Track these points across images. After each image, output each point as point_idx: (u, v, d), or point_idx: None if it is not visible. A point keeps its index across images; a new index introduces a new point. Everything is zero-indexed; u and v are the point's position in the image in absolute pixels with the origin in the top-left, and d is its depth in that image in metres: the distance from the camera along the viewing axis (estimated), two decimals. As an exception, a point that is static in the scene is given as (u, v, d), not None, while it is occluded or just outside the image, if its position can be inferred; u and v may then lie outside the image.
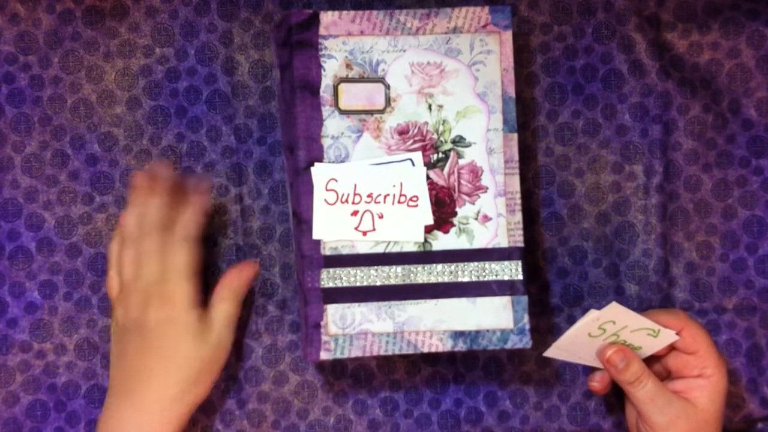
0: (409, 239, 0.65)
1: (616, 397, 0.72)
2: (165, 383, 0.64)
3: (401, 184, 0.65)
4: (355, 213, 0.65)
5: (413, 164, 0.65)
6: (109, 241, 0.68)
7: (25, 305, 0.70)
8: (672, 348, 0.66)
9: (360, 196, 0.65)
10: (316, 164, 0.64)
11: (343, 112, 0.65)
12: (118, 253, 0.67)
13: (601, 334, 0.65)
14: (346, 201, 0.64)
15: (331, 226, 0.64)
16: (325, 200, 0.64)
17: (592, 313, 0.63)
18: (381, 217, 0.65)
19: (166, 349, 0.65)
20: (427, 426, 0.72)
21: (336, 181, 0.64)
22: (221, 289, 0.68)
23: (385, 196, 0.65)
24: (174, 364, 0.65)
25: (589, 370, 0.69)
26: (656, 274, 0.72)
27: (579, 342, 0.65)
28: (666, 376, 0.68)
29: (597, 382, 0.68)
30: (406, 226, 0.65)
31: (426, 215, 0.65)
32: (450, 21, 0.65)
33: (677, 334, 0.65)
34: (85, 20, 0.70)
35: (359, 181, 0.64)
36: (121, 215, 0.67)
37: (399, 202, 0.65)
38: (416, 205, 0.65)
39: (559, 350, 0.66)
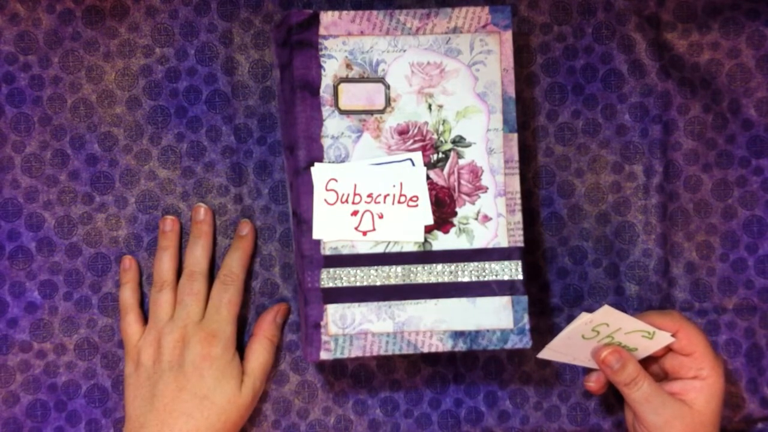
0: (409, 239, 0.65)
1: (616, 397, 0.72)
2: (198, 426, 0.64)
3: (401, 184, 0.65)
4: (355, 213, 0.65)
5: (413, 164, 0.65)
6: (118, 288, 0.70)
7: (25, 305, 0.70)
8: (668, 349, 0.66)
9: (360, 196, 0.65)
10: (316, 164, 0.64)
11: (343, 112, 0.65)
12: (135, 300, 0.69)
13: (595, 336, 0.65)
14: (346, 201, 0.64)
15: (331, 226, 0.64)
16: (325, 200, 0.64)
17: (584, 316, 0.63)
18: (381, 217, 0.65)
19: (204, 389, 0.65)
20: (427, 426, 0.72)
21: (336, 181, 0.64)
22: (258, 337, 0.69)
23: (385, 196, 0.65)
24: (210, 405, 0.65)
25: (588, 370, 0.69)
26: (656, 274, 0.72)
27: (573, 344, 0.65)
28: (663, 377, 0.68)
29: (593, 383, 0.68)
30: (406, 226, 0.65)
31: (426, 215, 0.65)
32: (450, 21, 0.65)
33: (673, 335, 0.65)
34: (85, 20, 0.70)
35: (359, 181, 0.64)
36: (153, 261, 0.69)
37: (399, 202, 0.65)
38: (416, 205, 0.65)
39: (552, 352, 0.66)
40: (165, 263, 0.68)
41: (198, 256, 0.68)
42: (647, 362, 0.67)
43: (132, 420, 0.66)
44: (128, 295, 0.69)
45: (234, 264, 0.68)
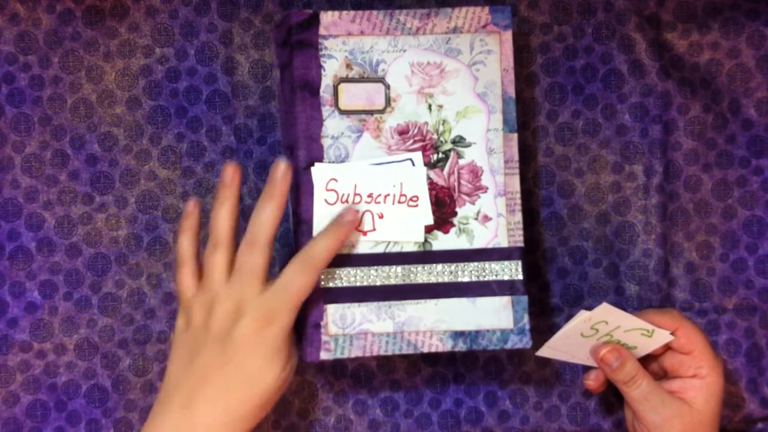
0: (409, 239, 0.65)
1: (616, 397, 0.72)
2: (231, 405, 0.59)
3: (401, 184, 0.65)
4: (355, 213, 0.65)
5: (413, 164, 0.65)
6: (176, 232, 0.64)
7: (25, 305, 0.70)
8: (667, 348, 0.66)
9: (360, 196, 0.65)
10: (316, 164, 0.64)
11: (343, 112, 0.65)
12: (193, 251, 0.62)
13: (594, 334, 0.65)
14: (346, 201, 0.64)
15: (331, 226, 0.64)
16: (325, 200, 0.64)
17: (583, 314, 0.63)
18: (381, 217, 0.65)
19: (247, 369, 0.59)
20: (427, 426, 0.72)
21: (336, 181, 0.64)
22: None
23: (385, 196, 0.65)
24: (249, 388, 0.59)
25: (587, 368, 0.69)
26: (656, 274, 0.72)
27: (572, 342, 0.66)
28: (662, 376, 0.68)
29: (592, 381, 0.68)
30: (406, 226, 0.65)
31: (426, 215, 0.65)
32: (450, 21, 0.65)
33: (672, 334, 0.65)
34: (85, 20, 0.70)
35: (359, 181, 0.64)
36: (211, 213, 0.62)
37: (399, 202, 0.65)
38: (416, 205, 0.65)
39: (551, 350, 0.66)
40: (222, 220, 0.61)
41: (263, 221, 0.60)
42: (646, 361, 0.67)
43: (169, 376, 0.61)
44: (186, 245, 0.62)
45: (319, 246, 0.60)
